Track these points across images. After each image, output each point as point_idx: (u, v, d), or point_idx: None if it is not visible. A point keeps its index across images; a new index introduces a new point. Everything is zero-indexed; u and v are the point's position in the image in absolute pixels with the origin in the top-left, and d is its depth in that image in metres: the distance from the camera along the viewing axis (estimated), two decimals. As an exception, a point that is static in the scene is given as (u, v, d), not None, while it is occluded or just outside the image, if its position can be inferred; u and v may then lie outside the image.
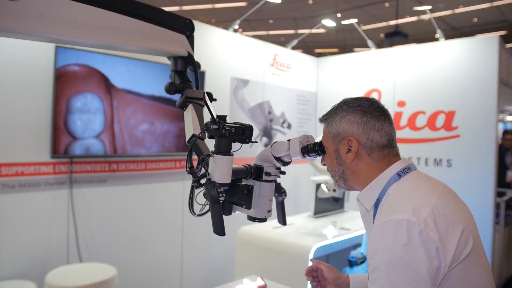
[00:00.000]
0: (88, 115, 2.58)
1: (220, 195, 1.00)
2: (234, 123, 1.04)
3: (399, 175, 1.02)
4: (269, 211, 1.16)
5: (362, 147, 1.04)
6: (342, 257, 2.72)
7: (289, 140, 1.13)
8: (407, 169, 1.03)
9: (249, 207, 1.15)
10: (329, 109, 1.14)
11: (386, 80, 4.06)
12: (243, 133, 1.04)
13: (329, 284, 1.29)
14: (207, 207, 1.10)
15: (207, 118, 1.06)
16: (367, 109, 1.06)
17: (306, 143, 1.13)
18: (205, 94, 1.08)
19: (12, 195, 2.39)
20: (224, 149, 1.03)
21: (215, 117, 1.02)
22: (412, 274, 0.85)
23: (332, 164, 1.11)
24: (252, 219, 1.15)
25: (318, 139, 1.16)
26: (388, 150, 1.06)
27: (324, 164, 1.15)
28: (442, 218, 0.90)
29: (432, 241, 0.86)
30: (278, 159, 1.14)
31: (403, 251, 0.85)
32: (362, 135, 1.04)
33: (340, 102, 1.11)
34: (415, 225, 0.87)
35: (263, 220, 1.16)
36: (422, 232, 0.86)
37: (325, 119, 1.13)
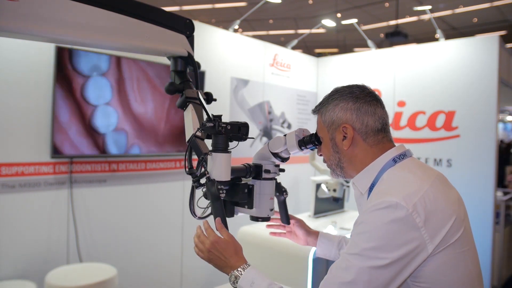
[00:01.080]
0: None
1: (221, 191, 1.00)
2: (230, 121, 1.05)
3: (395, 160, 1.04)
4: (272, 209, 1.17)
5: (357, 133, 1.05)
6: (342, 257, 2.72)
7: (285, 135, 1.14)
8: (402, 155, 1.05)
9: (250, 206, 1.15)
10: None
11: (386, 80, 4.06)
12: (239, 130, 1.05)
13: (298, 238, 1.38)
14: (209, 210, 1.10)
15: (207, 118, 1.06)
16: (359, 95, 1.07)
17: (302, 136, 1.14)
18: (200, 93, 1.09)
19: (12, 195, 2.39)
20: (221, 147, 1.04)
21: (210, 115, 1.03)
22: (385, 251, 0.88)
23: (328, 153, 1.11)
24: (255, 219, 1.16)
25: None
26: (382, 135, 1.07)
27: (320, 155, 1.16)
28: (432, 204, 0.92)
29: (416, 227, 0.89)
30: (276, 155, 1.14)
31: (383, 228, 0.89)
32: (356, 120, 1.05)
33: (332, 91, 1.12)
34: (403, 209, 0.89)
35: (267, 219, 1.17)
36: (407, 217, 0.89)
37: (318, 109, 1.13)
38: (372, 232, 0.90)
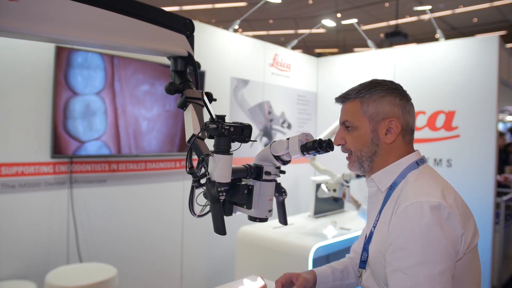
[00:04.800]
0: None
1: (220, 194, 1.00)
2: (233, 122, 1.04)
3: (418, 163, 1.08)
4: (270, 210, 1.16)
5: (401, 129, 1.08)
6: (342, 257, 2.72)
7: (288, 139, 1.13)
8: (423, 160, 1.10)
9: (249, 207, 1.14)
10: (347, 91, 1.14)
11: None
12: (242, 132, 1.04)
13: None
14: (207, 208, 1.10)
15: (207, 118, 1.06)
16: (403, 92, 1.10)
17: (305, 141, 1.12)
18: (204, 94, 1.08)
19: (12, 195, 2.39)
20: (223, 148, 1.03)
21: (214, 116, 1.02)
22: (444, 253, 0.90)
23: (363, 143, 1.10)
24: (253, 219, 1.15)
25: (319, 137, 1.16)
26: (413, 136, 1.12)
27: (339, 144, 1.13)
28: (460, 207, 0.98)
29: (458, 226, 0.94)
30: (277, 158, 1.13)
31: (436, 231, 0.91)
32: (402, 117, 1.08)
33: (372, 83, 1.12)
34: (446, 209, 0.93)
35: (264, 220, 1.16)
36: (451, 216, 0.93)
37: (357, 97, 1.11)
38: (424, 238, 0.90)
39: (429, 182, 1.02)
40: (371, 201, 1.14)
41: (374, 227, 1.09)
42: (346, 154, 1.17)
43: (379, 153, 1.10)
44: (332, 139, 1.08)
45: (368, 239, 1.12)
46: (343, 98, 1.15)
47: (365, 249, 1.13)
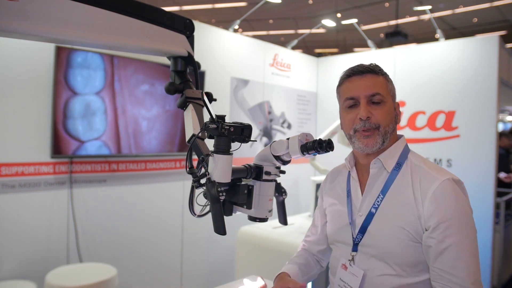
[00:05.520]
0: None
1: (220, 194, 1.00)
2: (233, 122, 1.04)
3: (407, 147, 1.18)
4: (270, 210, 1.16)
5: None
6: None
7: (288, 139, 1.13)
8: None
9: (249, 207, 1.14)
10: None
11: (386, 80, 4.06)
12: (242, 132, 1.04)
13: None
14: (207, 208, 1.10)
15: (207, 118, 1.06)
16: None
17: (305, 141, 1.12)
18: (204, 94, 1.08)
19: (12, 195, 2.39)
20: (223, 148, 1.03)
21: (214, 116, 1.02)
22: (474, 227, 1.04)
23: (390, 119, 1.14)
24: (253, 219, 1.15)
25: (319, 137, 1.16)
26: None
27: (368, 118, 1.10)
28: None
29: None
30: (277, 158, 1.13)
31: (468, 204, 1.05)
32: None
33: (375, 65, 1.18)
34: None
35: (264, 220, 1.16)
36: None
37: (383, 74, 1.17)
38: (467, 212, 1.03)
39: (431, 163, 1.14)
40: (373, 181, 1.15)
41: (376, 208, 1.12)
42: (368, 133, 1.12)
43: (392, 133, 1.15)
44: (332, 139, 1.07)
45: (367, 220, 1.13)
46: (370, 70, 1.15)
47: (362, 231, 1.13)
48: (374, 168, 1.14)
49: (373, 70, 1.15)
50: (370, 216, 1.12)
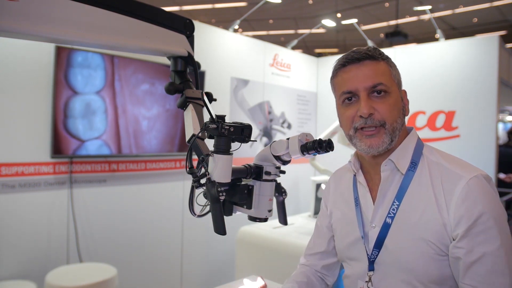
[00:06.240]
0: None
1: (220, 194, 1.00)
2: (233, 122, 1.04)
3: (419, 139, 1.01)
4: (270, 210, 1.16)
5: None
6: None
7: (288, 139, 1.12)
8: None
9: (249, 207, 1.14)
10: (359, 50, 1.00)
11: (386, 80, 4.06)
12: (242, 132, 1.04)
13: None
14: (207, 208, 1.10)
15: (207, 118, 1.06)
16: None
17: (305, 141, 1.12)
18: (204, 94, 1.08)
19: (12, 195, 2.39)
20: (223, 148, 1.03)
21: (214, 116, 1.02)
22: (509, 233, 0.86)
23: (398, 112, 0.95)
24: (253, 219, 1.15)
25: (319, 137, 1.14)
26: None
27: (370, 114, 0.93)
28: None
29: None
30: (277, 158, 1.13)
31: (500, 204, 0.88)
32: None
33: (376, 48, 1.00)
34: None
35: (264, 220, 1.16)
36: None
37: (384, 58, 0.99)
38: (498, 217, 0.84)
39: (453, 157, 0.95)
40: (381, 188, 0.98)
41: (392, 217, 0.94)
42: (371, 131, 0.95)
43: (401, 128, 0.96)
44: (332, 139, 1.04)
45: (383, 233, 0.96)
46: (368, 56, 0.95)
47: (377, 246, 0.96)
48: (386, 170, 0.97)
49: (372, 56, 0.95)
50: (385, 228, 0.95)
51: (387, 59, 0.99)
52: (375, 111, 0.93)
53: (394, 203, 0.94)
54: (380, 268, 0.96)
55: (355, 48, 0.99)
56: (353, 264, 1.06)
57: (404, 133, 0.99)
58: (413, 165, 0.94)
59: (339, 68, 1.00)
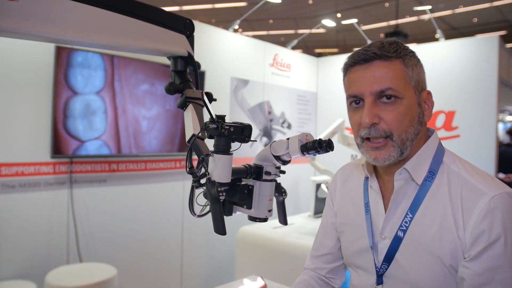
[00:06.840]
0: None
1: (220, 194, 1.00)
2: (233, 122, 1.04)
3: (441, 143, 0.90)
4: (270, 210, 1.16)
5: None
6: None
7: (288, 139, 1.13)
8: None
9: (249, 207, 1.14)
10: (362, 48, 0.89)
11: (386, 80, 4.06)
12: (242, 132, 1.04)
13: None
14: (207, 208, 1.10)
15: (207, 118, 1.06)
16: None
17: (305, 141, 1.12)
18: (204, 94, 1.08)
19: (12, 195, 2.39)
20: (223, 148, 1.03)
21: (214, 116, 1.02)
22: None
23: (410, 121, 0.83)
24: (253, 219, 1.15)
25: (319, 137, 1.14)
26: None
27: (374, 124, 0.84)
28: None
29: None
30: (277, 158, 1.13)
31: None
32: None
33: (398, 42, 0.88)
34: None
35: (264, 220, 1.16)
36: None
37: (398, 56, 0.85)
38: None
39: (477, 169, 0.85)
40: (394, 198, 0.89)
41: (404, 230, 0.87)
42: (378, 143, 0.85)
43: (419, 136, 0.86)
44: (332, 139, 1.03)
45: (393, 246, 0.89)
46: (376, 56, 0.83)
47: (387, 260, 0.90)
48: (400, 180, 0.88)
49: (383, 55, 0.83)
50: (396, 241, 0.88)
51: (403, 57, 0.85)
52: (381, 120, 0.83)
53: (407, 216, 0.87)
54: (389, 281, 0.91)
55: (368, 43, 0.89)
56: (360, 273, 1.01)
57: (424, 137, 0.89)
58: (431, 174, 0.85)
59: (348, 67, 0.92)
